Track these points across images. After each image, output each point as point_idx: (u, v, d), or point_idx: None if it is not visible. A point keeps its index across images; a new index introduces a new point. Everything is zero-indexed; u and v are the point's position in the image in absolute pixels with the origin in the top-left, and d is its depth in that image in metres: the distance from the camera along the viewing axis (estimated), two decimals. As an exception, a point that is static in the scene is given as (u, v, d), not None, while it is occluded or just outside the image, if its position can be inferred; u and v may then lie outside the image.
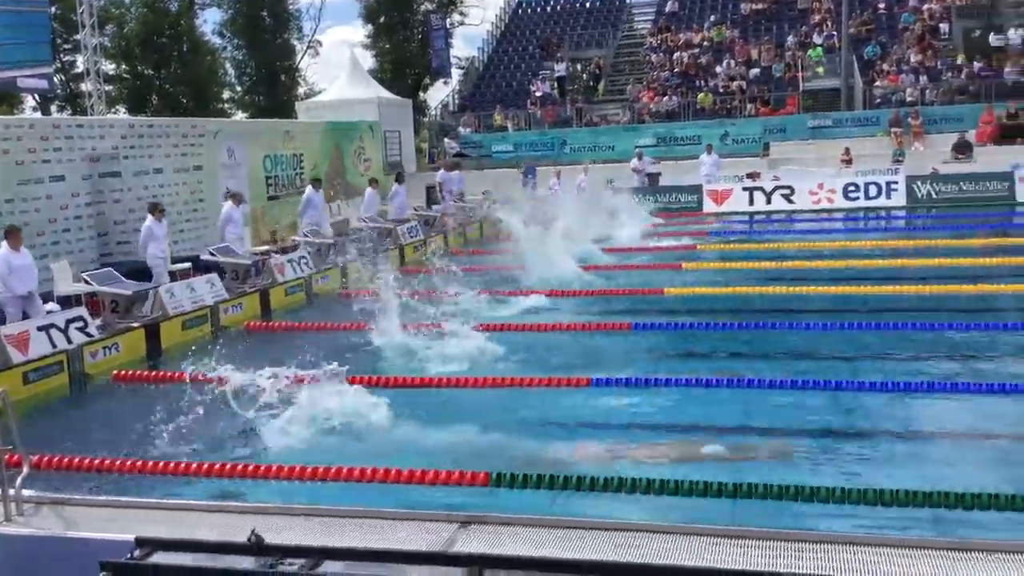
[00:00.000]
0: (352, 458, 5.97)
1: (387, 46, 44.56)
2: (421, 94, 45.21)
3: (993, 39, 27.73)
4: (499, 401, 7.35)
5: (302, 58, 46.97)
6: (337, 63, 39.37)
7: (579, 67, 33.85)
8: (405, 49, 44.37)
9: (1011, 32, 27.63)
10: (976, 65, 26.60)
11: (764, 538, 3.99)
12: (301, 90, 45.58)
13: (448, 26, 41.70)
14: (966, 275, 12.14)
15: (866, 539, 4.02)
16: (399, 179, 21.03)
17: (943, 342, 9.02)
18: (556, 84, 31.59)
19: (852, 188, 22.14)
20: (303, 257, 14.14)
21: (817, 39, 29.61)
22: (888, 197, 21.78)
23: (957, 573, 3.66)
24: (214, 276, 12.26)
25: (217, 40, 43.58)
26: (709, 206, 22.92)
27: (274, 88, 43.23)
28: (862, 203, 21.78)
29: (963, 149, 23.57)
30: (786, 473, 5.64)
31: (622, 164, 26.13)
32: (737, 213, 22.31)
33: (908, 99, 26.28)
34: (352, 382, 7.29)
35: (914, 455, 6.20)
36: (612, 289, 12.57)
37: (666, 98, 29.04)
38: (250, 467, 5.96)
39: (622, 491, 5.24)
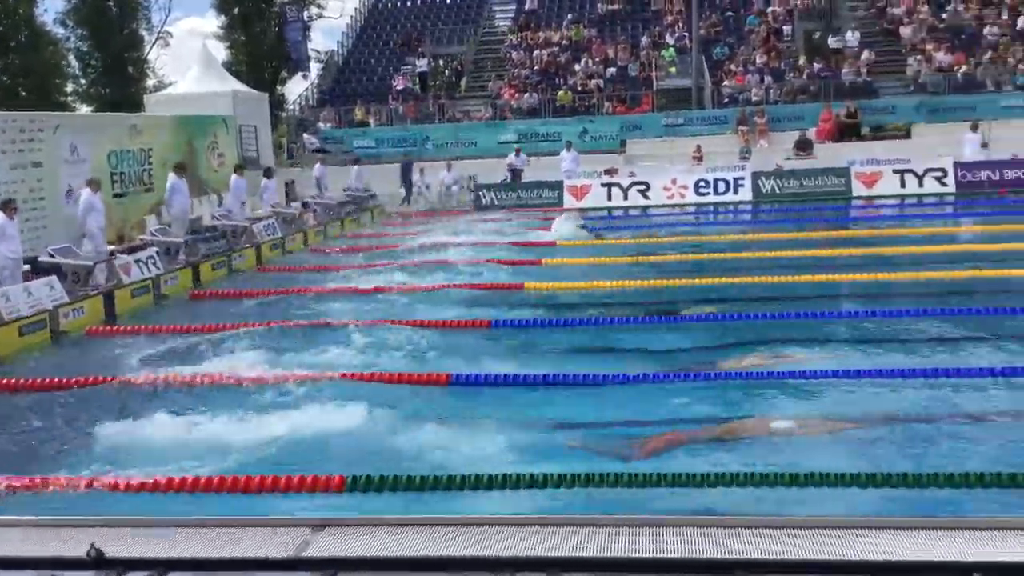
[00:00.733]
0: (201, 468, 5.79)
1: (242, 38, 43.27)
2: (279, 88, 44.15)
3: (832, 41, 29.38)
4: (361, 400, 7.23)
5: (151, 49, 45.11)
6: (189, 55, 37.89)
7: (441, 63, 33.81)
8: (261, 41, 43.22)
9: (848, 35, 29.32)
10: (816, 66, 28.08)
11: (618, 524, 4.09)
12: (150, 83, 43.74)
13: (306, 18, 40.86)
14: (807, 265, 12.85)
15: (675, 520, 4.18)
16: (268, 173, 20.68)
17: (794, 328, 9.47)
18: (418, 80, 31.46)
19: (703, 184, 23.02)
20: (151, 257, 13.55)
21: (669, 40, 30.59)
22: (736, 192, 22.77)
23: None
24: (53, 279, 11.59)
25: (60, 30, 41.30)
26: (569, 202, 23.34)
27: (121, 81, 41.24)
28: (712, 198, 22.69)
29: (804, 146, 24.87)
30: (646, 463, 5.81)
31: (485, 160, 26.31)
32: (596, 208, 22.81)
33: (754, 98, 27.48)
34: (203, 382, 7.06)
35: (758, 441, 6.47)
36: (474, 284, 12.60)
37: (527, 95, 29.37)
38: (93, 480, 5.68)
39: (481, 488, 5.27)
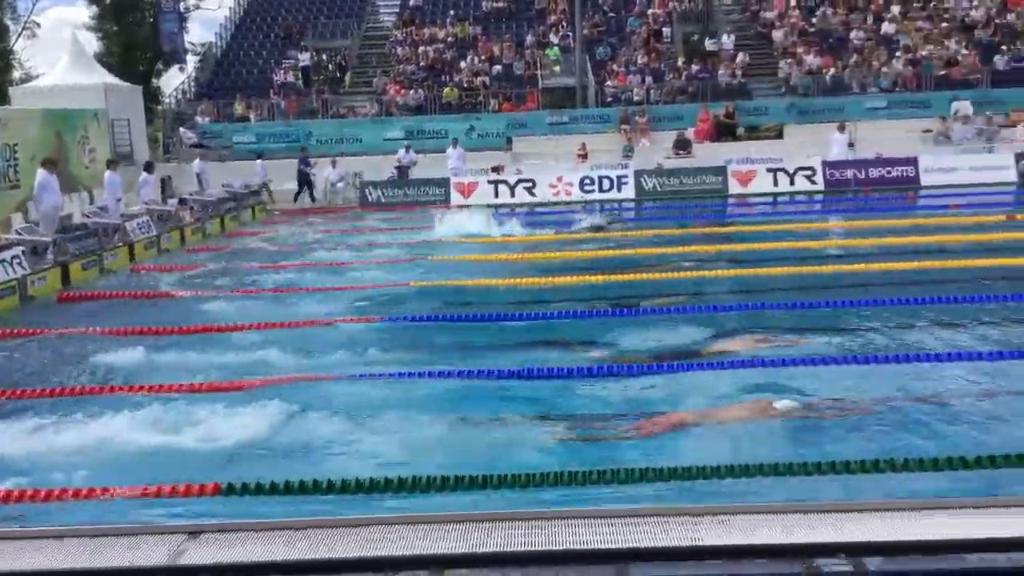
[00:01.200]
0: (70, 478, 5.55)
1: (114, 28, 41.61)
2: (154, 81, 42.61)
3: (708, 44, 30.30)
4: (243, 401, 7.07)
5: (16, 40, 42.85)
6: (58, 46, 36.18)
7: (324, 57, 33.27)
8: (135, 32, 41.65)
9: (724, 37, 30.30)
10: (694, 67, 28.92)
11: (507, 519, 4.12)
12: (16, 75, 41.56)
13: (182, 9, 39.54)
14: (689, 260, 13.25)
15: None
16: (148, 167, 20.06)
17: (668, 323, 9.72)
18: (300, 74, 30.89)
19: (588, 181, 23.42)
20: (16, 257, 12.88)
21: (554, 39, 30.96)
22: (619, 190, 23.25)
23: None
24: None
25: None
26: (456, 199, 23.37)
27: (-17, 72, 39.10)
28: (596, 196, 23.10)
29: (683, 146, 25.60)
30: (533, 459, 5.88)
31: (371, 157, 26.06)
32: (483, 206, 22.88)
33: (636, 98, 28.11)
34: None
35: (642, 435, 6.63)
36: (360, 285, 12.47)
37: (413, 92, 29.23)
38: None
39: (361, 492, 5.23)
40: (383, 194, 23.98)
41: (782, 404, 6.65)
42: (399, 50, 31.64)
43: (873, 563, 3.44)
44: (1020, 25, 29.31)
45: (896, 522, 4.02)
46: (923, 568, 3.55)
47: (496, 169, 24.37)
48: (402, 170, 24.92)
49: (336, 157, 25.48)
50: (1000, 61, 27.66)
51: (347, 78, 31.49)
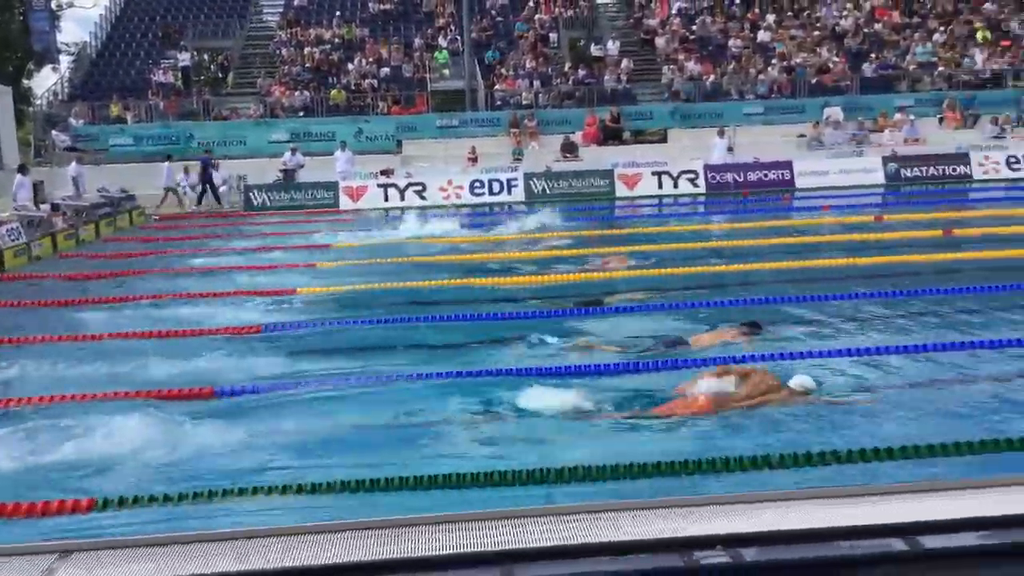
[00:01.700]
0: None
1: (-20, 26, 39.46)
2: (25, 81, 40.60)
3: (594, 49, 30.82)
4: (120, 418, 6.78)
5: None
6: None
7: (206, 57, 32.36)
8: (4, 30, 39.56)
9: (609, 43, 30.88)
10: (581, 72, 29.38)
11: (391, 526, 4.08)
12: None
13: (54, 7, 37.82)
14: (574, 263, 13.43)
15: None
16: (22, 170, 19.19)
17: (560, 329, 9.83)
18: (180, 74, 29.95)
19: (478, 185, 23.49)
20: None
21: (442, 42, 30.94)
22: (509, 193, 23.41)
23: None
24: None
25: None
26: (345, 203, 23.09)
27: None
28: (487, 199, 23.20)
29: (570, 149, 25.96)
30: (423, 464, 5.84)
31: (256, 160, 25.48)
32: (373, 209, 22.70)
33: (524, 102, 28.37)
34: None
35: (513, 436, 6.66)
36: (242, 291, 12.16)
37: (298, 93, 28.73)
38: None
39: (247, 497, 5.11)
40: (269, 198, 23.47)
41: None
42: (284, 51, 31.04)
43: (749, 553, 3.56)
44: (886, 34, 30.89)
45: (771, 513, 4.17)
46: (796, 556, 3.69)
47: (386, 172, 24.19)
48: (288, 173, 24.45)
49: (218, 160, 24.80)
50: (868, 68, 29.07)
51: (230, 79, 30.71)
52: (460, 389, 7.49)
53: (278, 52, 31.19)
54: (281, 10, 34.21)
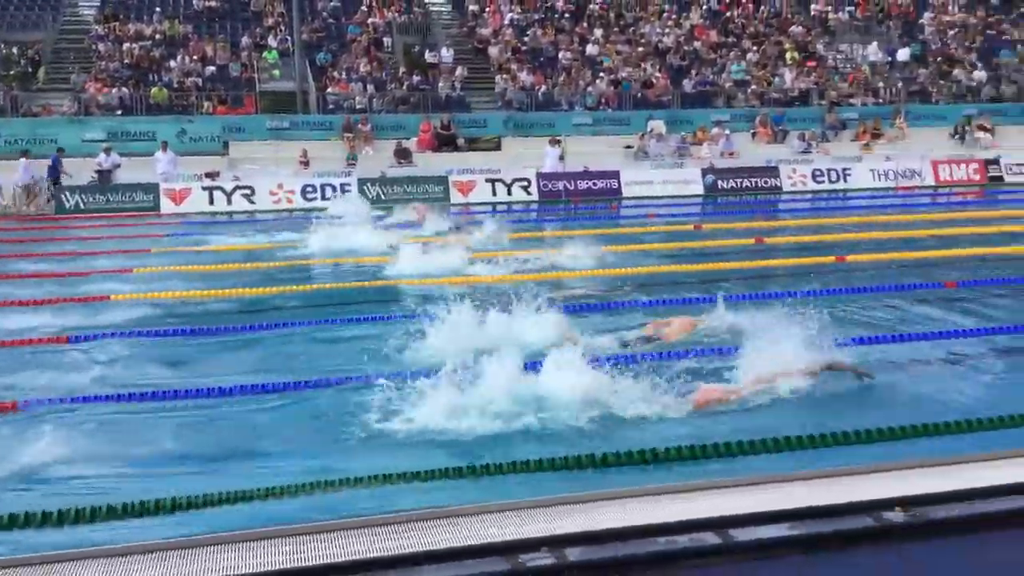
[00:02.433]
0: None
1: None
2: None
3: (428, 56, 30.85)
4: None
5: None
6: None
7: (15, 51, 30.11)
8: None
9: (443, 51, 30.99)
10: (415, 78, 29.33)
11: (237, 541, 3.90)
12: None
13: None
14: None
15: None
16: None
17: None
18: (-17, 67, 27.78)
19: (310, 189, 23.03)
20: None
21: (272, 42, 30.13)
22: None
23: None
24: None
25: None
26: (167, 206, 22.10)
27: None
28: (319, 203, 22.72)
29: (403, 155, 25.87)
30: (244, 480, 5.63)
31: (70, 159, 23.89)
32: (197, 213, 21.83)
33: (359, 106, 28.03)
34: None
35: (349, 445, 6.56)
36: (48, 298, 11.39)
37: (116, 90, 27.22)
38: None
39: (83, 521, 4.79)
40: (83, 200, 22.12)
41: None
42: (100, 46, 29.34)
43: (573, 553, 3.64)
44: (705, 52, 32.52)
45: (597, 512, 4.28)
46: (620, 554, 3.80)
47: (211, 175, 23.31)
48: (104, 174, 23.12)
49: (30, 160, 23.11)
50: (688, 84, 30.51)
51: (41, 74, 28.73)
52: (288, 401, 7.31)
53: (94, 47, 29.43)
54: (98, 4, 32.31)
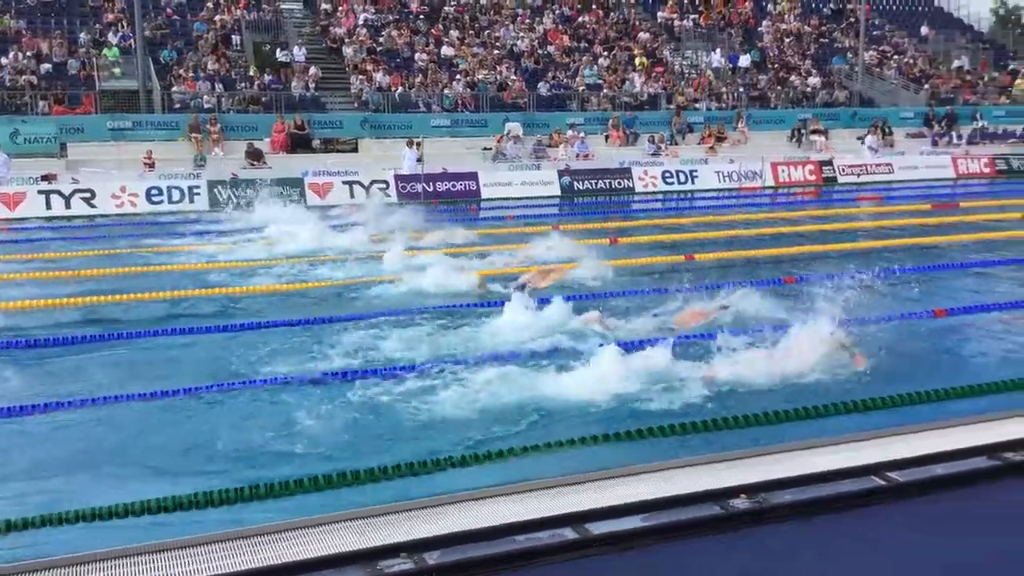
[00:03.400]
0: None
1: None
2: None
3: (280, 55, 30.14)
4: None
5: None
6: None
7: None
8: None
9: (295, 50, 30.34)
10: (267, 78, 28.60)
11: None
12: None
13: None
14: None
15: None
16: None
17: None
18: None
19: (155, 192, 22.10)
20: None
21: (112, 39, 28.72)
22: (191, 201, 22.25)
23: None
24: None
25: None
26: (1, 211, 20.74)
27: None
28: (166, 207, 21.87)
29: (255, 156, 25.18)
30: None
31: None
32: (34, 218, 20.61)
33: (207, 105, 27.09)
34: None
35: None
36: None
37: (-63, 87, 25.33)
38: None
39: None
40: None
41: None
42: (-82, 39, 27.24)
43: (432, 556, 3.65)
44: (558, 56, 33.15)
45: (457, 514, 4.30)
46: (479, 554, 3.83)
47: (48, 178, 22.00)
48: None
49: None
50: (543, 87, 31.02)
51: None
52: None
53: (-90, 39, 27.32)
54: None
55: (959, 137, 31.89)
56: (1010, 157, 30.22)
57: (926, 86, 36.06)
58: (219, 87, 27.88)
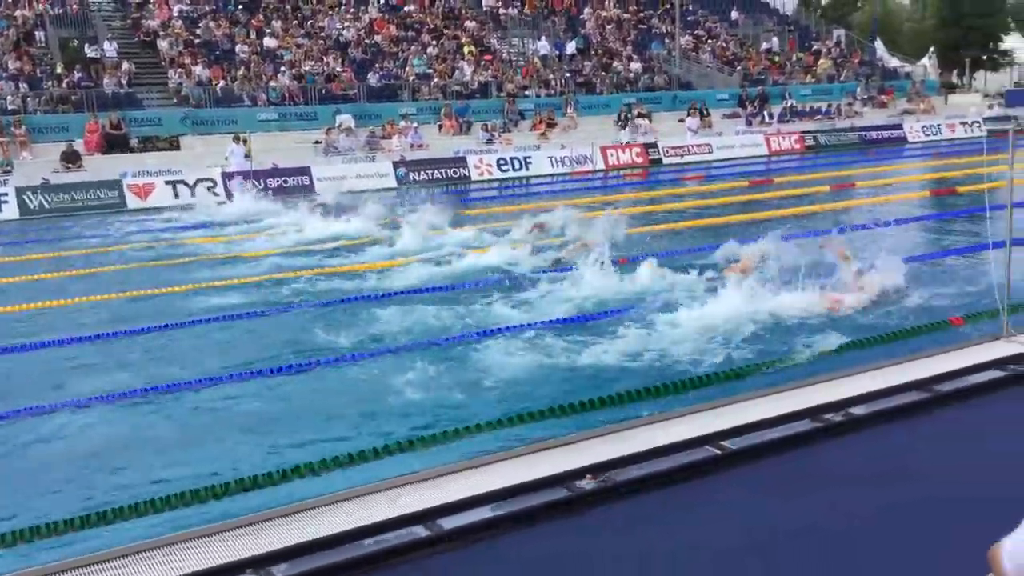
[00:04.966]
0: None
1: None
2: None
3: (89, 50, 28.43)
4: None
5: None
6: None
7: None
8: None
9: (105, 44, 28.69)
10: (76, 75, 26.91)
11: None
12: None
13: None
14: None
15: None
16: None
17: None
18: None
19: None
20: None
21: None
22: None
23: None
24: None
25: None
26: None
27: None
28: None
29: (71, 158, 23.68)
30: None
31: None
32: None
33: (10, 107, 25.23)
34: None
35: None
36: None
37: None
38: None
39: None
40: None
41: None
42: None
43: (280, 570, 3.56)
44: (386, 46, 32.82)
45: (307, 522, 4.20)
46: (329, 562, 3.77)
47: None
48: None
49: None
50: (373, 78, 30.64)
51: None
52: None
53: None
54: None
55: (771, 116, 33.78)
56: (817, 133, 32.29)
57: (739, 68, 37.99)
58: (23, 87, 26.01)
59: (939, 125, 34.00)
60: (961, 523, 4.23)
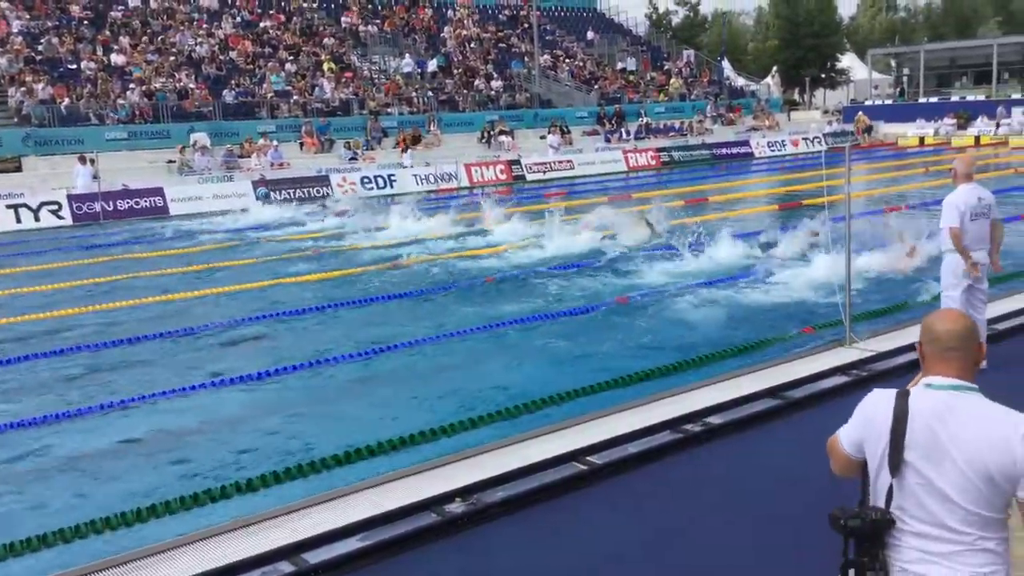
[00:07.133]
0: None
1: None
2: None
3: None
4: None
5: None
6: None
7: None
8: None
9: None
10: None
11: None
12: None
13: None
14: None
15: None
16: None
17: None
18: None
19: None
20: None
21: None
22: None
23: None
24: None
25: None
26: None
27: None
28: None
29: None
30: None
31: None
32: None
33: None
34: None
35: None
36: None
37: None
38: None
39: None
40: None
41: None
42: None
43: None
44: (242, 62, 32.02)
45: (163, 566, 4.04)
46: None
47: None
48: None
49: None
50: (229, 95, 29.82)
51: None
52: None
53: None
54: None
55: (628, 133, 34.82)
56: (672, 150, 33.49)
57: (596, 87, 39.01)
58: None
59: (783, 141, 35.86)
60: (819, 518, 4.44)
